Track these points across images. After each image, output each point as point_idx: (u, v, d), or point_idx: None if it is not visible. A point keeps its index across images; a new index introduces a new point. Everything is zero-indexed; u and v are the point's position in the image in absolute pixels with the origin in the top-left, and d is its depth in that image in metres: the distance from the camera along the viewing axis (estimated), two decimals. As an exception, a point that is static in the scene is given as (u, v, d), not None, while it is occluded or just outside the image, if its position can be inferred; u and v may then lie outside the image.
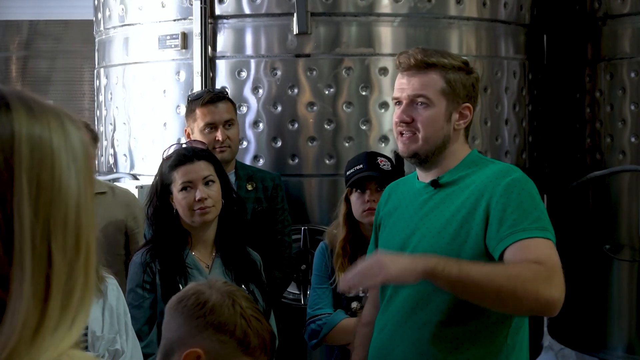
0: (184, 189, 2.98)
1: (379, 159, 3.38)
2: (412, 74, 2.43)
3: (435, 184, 2.45)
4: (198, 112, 3.73)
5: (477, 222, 2.32)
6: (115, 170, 4.64)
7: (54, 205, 0.98)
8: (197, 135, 3.71)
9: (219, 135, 3.68)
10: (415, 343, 2.39)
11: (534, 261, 2.18)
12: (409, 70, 2.44)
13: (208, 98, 3.73)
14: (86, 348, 2.80)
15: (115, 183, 4.27)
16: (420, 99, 2.42)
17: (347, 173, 3.37)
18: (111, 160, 4.67)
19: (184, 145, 3.22)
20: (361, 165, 3.33)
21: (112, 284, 2.92)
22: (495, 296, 2.14)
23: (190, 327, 1.85)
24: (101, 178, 4.69)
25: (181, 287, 2.86)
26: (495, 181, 2.34)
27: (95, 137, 4.16)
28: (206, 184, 2.99)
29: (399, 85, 2.47)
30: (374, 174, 3.28)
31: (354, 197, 3.33)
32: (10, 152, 0.95)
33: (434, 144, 2.43)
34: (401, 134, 2.46)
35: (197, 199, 2.96)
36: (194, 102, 3.78)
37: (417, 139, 2.43)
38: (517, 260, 2.19)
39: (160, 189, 3.03)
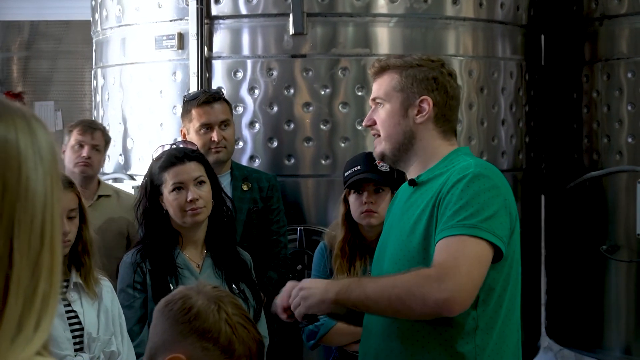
0: (175, 189, 2.99)
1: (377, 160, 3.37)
2: (374, 80, 2.52)
3: (412, 182, 2.45)
4: (194, 112, 3.74)
5: (433, 221, 2.32)
6: (112, 170, 4.65)
7: (19, 206, 0.97)
8: (192, 136, 3.71)
9: (214, 136, 3.69)
10: (386, 340, 2.39)
11: (434, 264, 2.20)
12: (373, 78, 2.52)
13: (204, 99, 3.74)
14: (82, 349, 2.81)
15: (119, 185, 4.31)
16: (377, 101, 2.48)
17: (345, 174, 3.35)
18: (108, 160, 4.68)
19: (173, 146, 3.22)
20: (359, 167, 3.30)
21: (107, 286, 2.93)
22: (389, 307, 2.22)
23: (174, 332, 1.83)
24: (104, 179, 4.72)
25: (172, 287, 2.87)
26: (450, 179, 2.32)
27: (107, 140, 4.22)
28: (197, 184, 3.00)
29: None
30: (370, 175, 3.26)
31: (352, 199, 3.31)
32: None
33: (396, 141, 2.43)
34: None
35: (188, 199, 2.96)
36: (189, 103, 3.79)
37: (381, 141, 2.47)
38: (437, 254, 2.22)
39: (150, 190, 3.03)
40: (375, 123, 2.48)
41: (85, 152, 4.10)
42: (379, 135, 2.47)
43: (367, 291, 2.23)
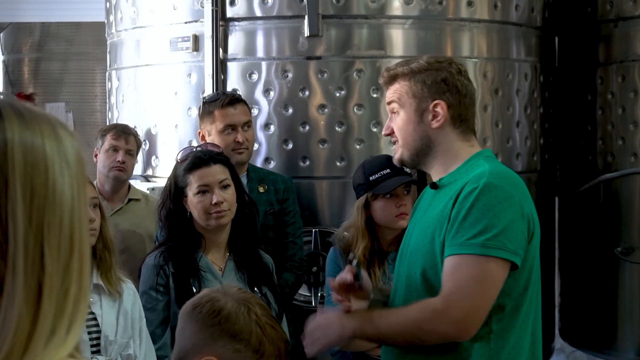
0: (200, 192, 2.99)
1: None
2: (385, 89, 2.53)
3: (434, 186, 2.46)
4: (217, 114, 3.74)
5: (444, 227, 2.32)
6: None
7: (47, 210, 0.98)
8: (215, 137, 3.71)
9: (239, 137, 3.69)
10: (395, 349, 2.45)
11: (441, 294, 2.27)
12: (385, 88, 2.54)
13: (227, 100, 3.74)
14: (98, 352, 2.81)
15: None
16: (392, 107, 2.49)
17: (371, 178, 3.28)
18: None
19: (198, 148, 3.22)
20: (388, 170, 3.26)
21: (129, 288, 2.93)
22: (406, 343, 2.37)
23: (205, 335, 1.84)
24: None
25: (194, 290, 2.86)
26: (465, 186, 2.31)
27: (139, 145, 4.30)
28: (222, 187, 2.99)
29: None
30: (406, 177, 3.24)
31: (381, 203, 3.26)
32: (4, 158, 0.96)
33: (414, 147, 2.44)
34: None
35: (213, 202, 2.95)
36: (212, 104, 3.78)
37: (398, 147, 2.49)
38: (444, 280, 2.29)
39: (174, 192, 3.03)
40: (393, 131, 2.49)
41: (120, 156, 4.14)
42: (396, 143, 2.50)
43: (381, 330, 2.36)
